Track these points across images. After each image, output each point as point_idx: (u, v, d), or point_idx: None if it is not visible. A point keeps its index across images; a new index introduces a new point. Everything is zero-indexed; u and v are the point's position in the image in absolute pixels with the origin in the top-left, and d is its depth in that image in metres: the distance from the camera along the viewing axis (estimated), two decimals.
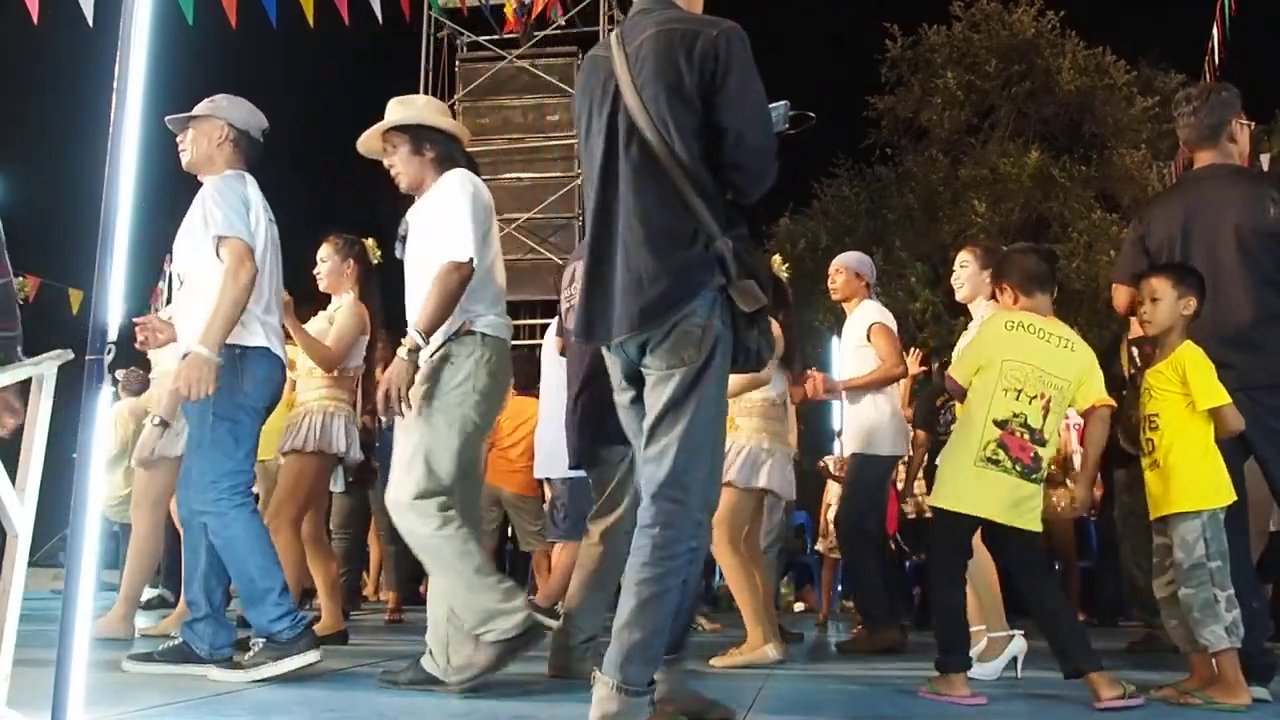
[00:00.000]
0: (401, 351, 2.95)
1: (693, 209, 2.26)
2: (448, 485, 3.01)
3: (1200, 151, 3.42)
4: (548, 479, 5.29)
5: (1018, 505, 3.08)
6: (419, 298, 3.02)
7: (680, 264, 2.25)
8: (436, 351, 3.05)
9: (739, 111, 2.29)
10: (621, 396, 2.48)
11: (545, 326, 11.33)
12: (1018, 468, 3.08)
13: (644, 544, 2.23)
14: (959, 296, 4.25)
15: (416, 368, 2.97)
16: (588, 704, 2.20)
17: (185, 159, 3.49)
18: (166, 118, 3.47)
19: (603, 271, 2.36)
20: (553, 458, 4.62)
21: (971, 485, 3.11)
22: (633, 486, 3.30)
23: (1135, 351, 3.58)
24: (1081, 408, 3.22)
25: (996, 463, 3.08)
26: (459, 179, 3.15)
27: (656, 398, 2.28)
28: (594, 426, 3.42)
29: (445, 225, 3.06)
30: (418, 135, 3.23)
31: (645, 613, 2.18)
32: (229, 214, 3.24)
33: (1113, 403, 3.23)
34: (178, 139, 3.52)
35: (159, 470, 4.51)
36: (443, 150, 3.25)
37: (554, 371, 4.43)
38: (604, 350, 2.47)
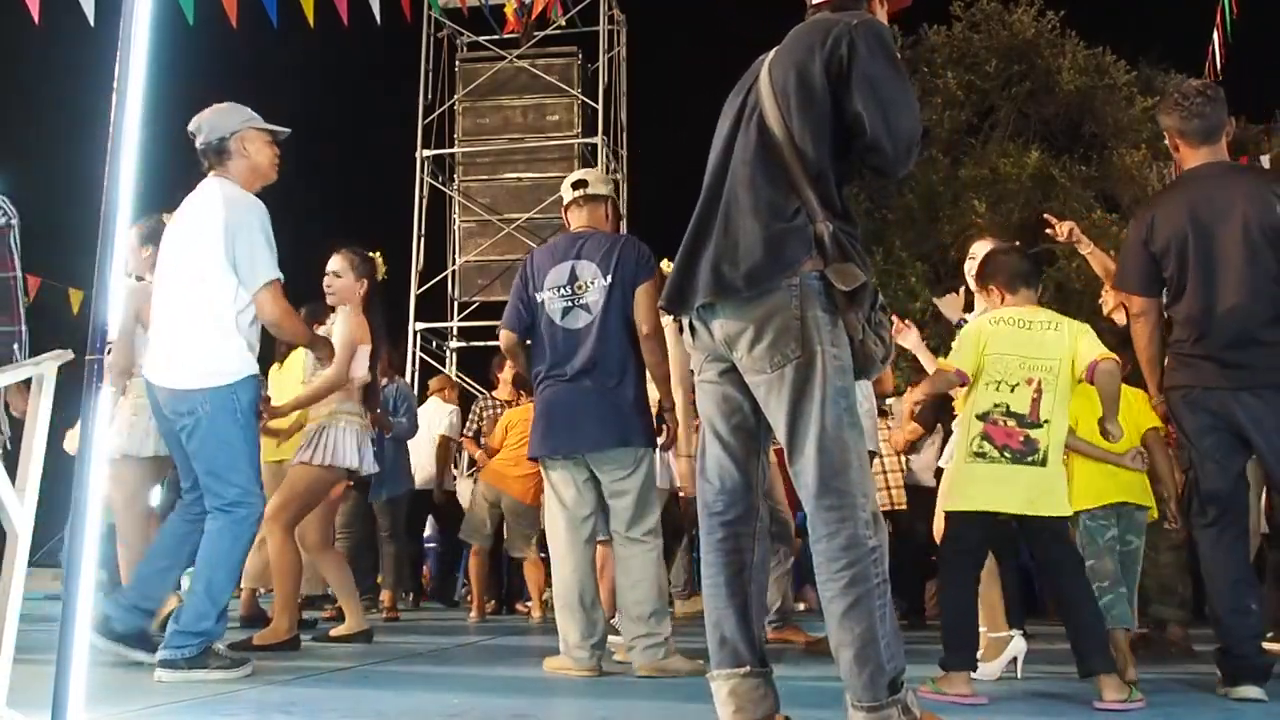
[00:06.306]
0: None
1: (798, 189, 2.20)
2: None
3: (1201, 148, 3.31)
4: None
5: (1021, 492, 3.05)
6: None
7: (776, 234, 2.17)
8: None
9: (867, 97, 2.20)
10: (707, 372, 2.34)
11: None
12: (1006, 454, 3.06)
13: (819, 561, 2.13)
14: (974, 286, 3.95)
15: None
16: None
17: None
18: None
19: (702, 241, 2.30)
20: None
21: (965, 483, 3.12)
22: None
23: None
24: (1082, 372, 3.10)
25: (983, 455, 3.08)
26: None
27: (777, 405, 2.16)
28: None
29: None
30: None
31: (849, 626, 2.09)
32: None
33: (1115, 357, 3.12)
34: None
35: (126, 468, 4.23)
36: None
37: None
38: (691, 330, 2.35)
